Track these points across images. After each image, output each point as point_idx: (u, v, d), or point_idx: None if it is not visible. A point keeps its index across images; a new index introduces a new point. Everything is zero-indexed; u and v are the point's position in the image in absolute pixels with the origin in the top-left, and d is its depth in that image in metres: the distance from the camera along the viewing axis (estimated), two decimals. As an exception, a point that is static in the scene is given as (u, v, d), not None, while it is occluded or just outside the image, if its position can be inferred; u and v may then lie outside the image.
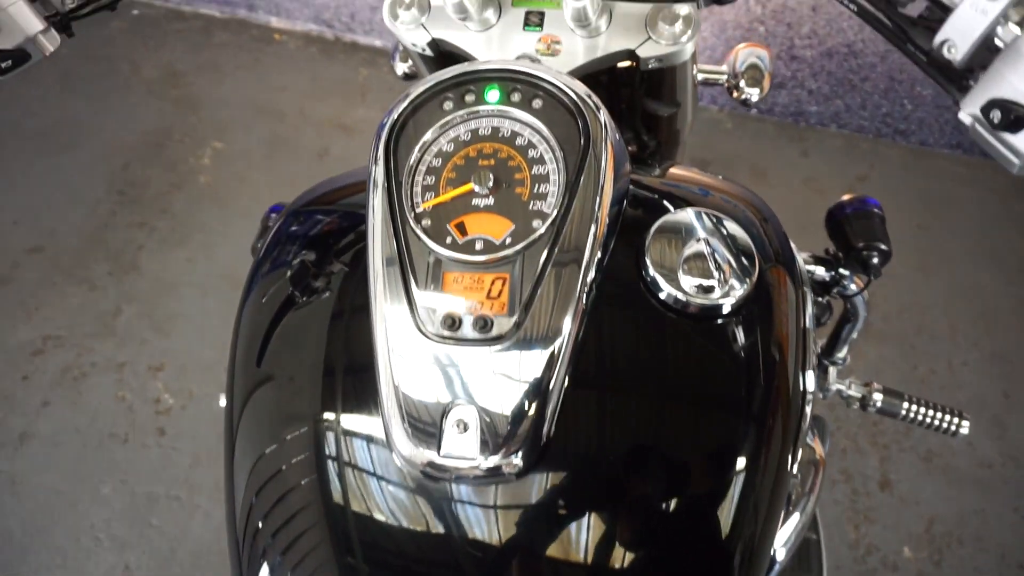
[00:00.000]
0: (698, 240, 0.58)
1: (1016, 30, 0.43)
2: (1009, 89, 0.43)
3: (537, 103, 0.59)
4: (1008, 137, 0.44)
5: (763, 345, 0.58)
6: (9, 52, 0.61)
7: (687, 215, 0.59)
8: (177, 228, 2.16)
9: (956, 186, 2.40)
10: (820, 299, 0.94)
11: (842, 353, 1.05)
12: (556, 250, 0.54)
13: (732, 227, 0.59)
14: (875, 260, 0.86)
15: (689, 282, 0.57)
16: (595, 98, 0.59)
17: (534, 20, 0.75)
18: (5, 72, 0.61)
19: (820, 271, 0.91)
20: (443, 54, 0.80)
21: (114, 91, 2.50)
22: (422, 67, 0.87)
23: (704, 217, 0.59)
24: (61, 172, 2.30)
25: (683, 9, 0.70)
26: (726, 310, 0.57)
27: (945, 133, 2.46)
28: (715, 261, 0.57)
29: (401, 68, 1.10)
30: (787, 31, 2.35)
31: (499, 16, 0.75)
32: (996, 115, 0.43)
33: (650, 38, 0.71)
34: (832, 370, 1.07)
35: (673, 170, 0.75)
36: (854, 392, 1.05)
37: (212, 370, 1.89)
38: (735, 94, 1.05)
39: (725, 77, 1.06)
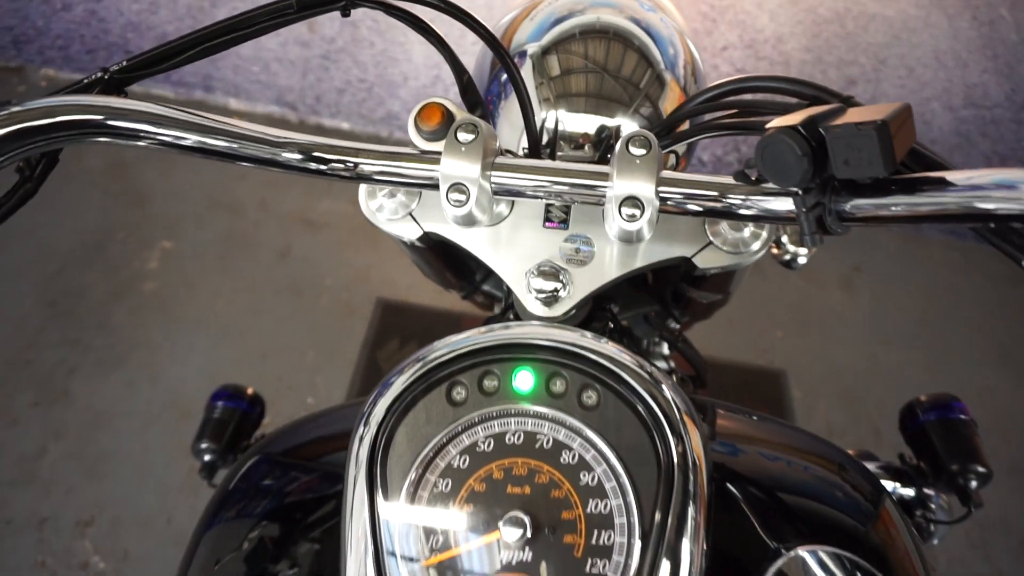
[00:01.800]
0: None
1: None
2: None
3: (590, 397, 0.41)
4: None
5: None
6: None
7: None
8: (116, 345, 1.91)
9: (952, 274, 2.34)
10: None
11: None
12: None
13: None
14: (973, 484, 0.70)
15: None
16: (656, 373, 0.41)
17: (558, 214, 0.57)
18: None
19: (897, 486, 0.74)
20: (437, 242, 0.63)
21: (50, 183, 2.25)
22: (408, 253, 0.69)
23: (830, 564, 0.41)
24: (-17, 281, 2.04)
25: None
26: None
27: (937, 220, 2.38)
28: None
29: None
30: (776, 119, 2.27)
31: (512, 207, 0.57)
32: None
33: (711, 243, 0.55)
34: None
35: (721, 421, 0.58)
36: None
37: (151, 524, 1.62)
38: (776, 251, 0.89)
39: (764, 233, 0.90)
